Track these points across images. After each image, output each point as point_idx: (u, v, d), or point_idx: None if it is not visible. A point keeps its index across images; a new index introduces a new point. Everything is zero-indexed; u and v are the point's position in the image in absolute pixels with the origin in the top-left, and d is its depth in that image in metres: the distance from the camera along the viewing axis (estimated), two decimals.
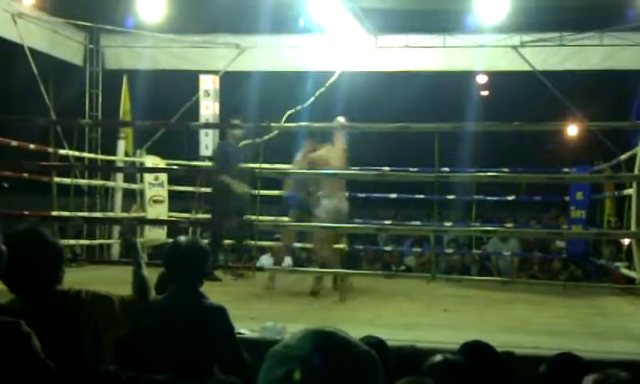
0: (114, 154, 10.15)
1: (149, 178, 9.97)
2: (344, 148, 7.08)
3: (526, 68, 9.84)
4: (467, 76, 12.56)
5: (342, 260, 7.81)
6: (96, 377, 2.55)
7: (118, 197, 10.10)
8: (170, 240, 9.56)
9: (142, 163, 10.10)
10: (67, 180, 9.10)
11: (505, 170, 9.59)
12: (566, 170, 9.76)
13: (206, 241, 8.31)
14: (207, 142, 10.10)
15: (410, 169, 8.81)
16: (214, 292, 3.45)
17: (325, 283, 7.12)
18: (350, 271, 8.08)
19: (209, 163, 10.12)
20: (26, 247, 2.52)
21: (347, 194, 7.41)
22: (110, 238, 10.07)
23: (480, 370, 2.62)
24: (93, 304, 2.58)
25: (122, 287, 2.95)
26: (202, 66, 10.44)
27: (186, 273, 3.29)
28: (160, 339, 3.12)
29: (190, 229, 9.46)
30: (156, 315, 3.14)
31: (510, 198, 10.51)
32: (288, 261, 9.94)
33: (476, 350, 2.77)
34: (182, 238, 3.48)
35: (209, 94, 10.12)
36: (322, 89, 10.32)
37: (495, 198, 10.54)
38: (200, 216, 10.20)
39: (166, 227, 10.18)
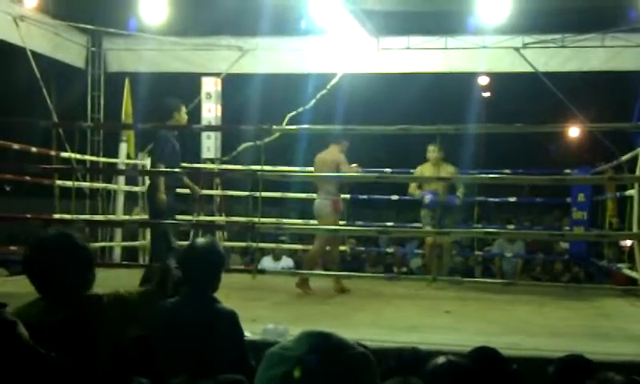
0: (115, 156, 10.16)
1: None
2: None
3: (528, 69, 9.84)
4: (469, 78, 12.58)
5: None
6: (111, 380, 2.55)
7: (120, 200, 10.11)
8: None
9: (143, 166, 10.11)
10: (69, 183, 9.11)
11: (506, 171, 9.60)
12: (568, 171, 9.76)
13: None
14: (209, 144, 10.11)
15: (412, 170, 8.81)
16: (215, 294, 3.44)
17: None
18: (350, 274, 8.09)
19: (211, 165, 10.14)
20: (56, 251, 2.55)
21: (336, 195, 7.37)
22: (111, 240, 10.08)
23: (488, 376, 2.61)
24: (112, 307, 2.62)
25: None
26: (204, 69, 10.45)
27: (199, 276, 3.28)
28: (171, 342, 3.12)
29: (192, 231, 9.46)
30: (168, 318, 3.14)
31: (512, 199, 10.51)
32: (288, 262, 9.97)
33: (484, 356, 2.75)
34: (200, 241, 3.45)
35: (211, 97, 10.12)
36: (324, 91, 10.33)
37: (497, 199, 10.54)
38: (202, 218, 10.21)
39: None
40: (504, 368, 2.70)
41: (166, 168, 6.70)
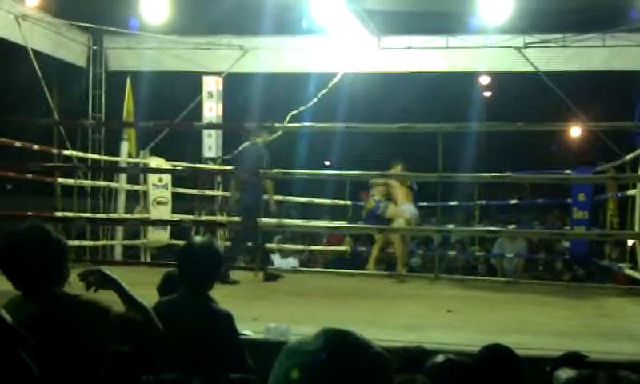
0: (117, 155, 10.17)
1: (152, 179, 9.99)
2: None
3: (529, 69, 9.85)
4: (470, 77, 12.58)
5: None
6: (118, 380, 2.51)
7: (122, 198, 10.11)
8: (173, 241, 9.64)
9: (145, 164, 10.11)
10: (71, 181, 9.12)
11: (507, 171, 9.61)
12: (568, 171, 9.76)
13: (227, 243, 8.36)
14: (210, 143, 10.11)
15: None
16: (217, 293, 3.43)
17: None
18: (356, 271, 8.10)
19: (213, 165, 10.14)
20: (29, 243, 2.48)
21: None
22: (113, 238, 10.08)
23: (497, 373, 2.61)
24: (87, 311, 2.47)
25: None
26: (205, 68, 10.45)
27: (196, 275, 3.26)
28: (166, 340, 3.11)
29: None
30: (162, 316, 3.13)
31: (514, 201, 10.52)
32: (294, 262, 9.98)
33: (496, 353, 2.76)
34: (198, 240, 3.41)
35: (212, 96, 10.12)
36: (325, 90, 10.33)
37: (498, 202, 10.55)
38: (204, 218, 10.21)
39: (169, 228, 10.20)
40: (515, 366, 2.70)
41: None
